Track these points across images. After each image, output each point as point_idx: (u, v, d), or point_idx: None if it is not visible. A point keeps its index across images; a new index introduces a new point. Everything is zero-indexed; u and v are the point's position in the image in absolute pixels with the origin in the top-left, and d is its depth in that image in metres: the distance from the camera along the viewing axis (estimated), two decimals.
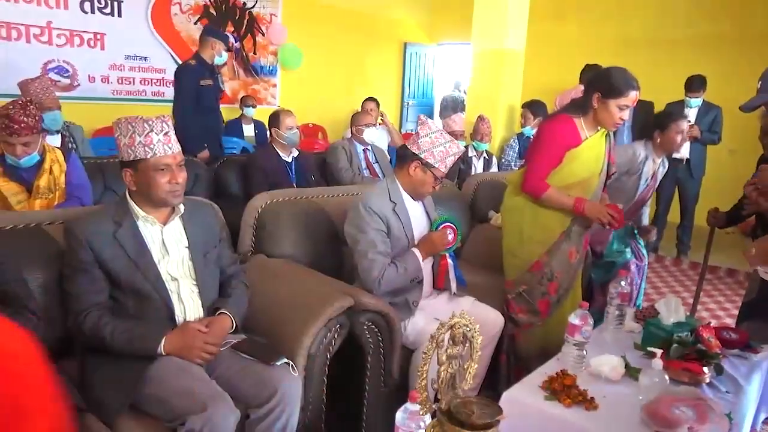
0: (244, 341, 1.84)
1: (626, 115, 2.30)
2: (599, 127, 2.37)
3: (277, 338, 1.89)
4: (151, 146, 1.72)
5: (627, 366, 1.85)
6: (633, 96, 2.25)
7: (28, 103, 2.44)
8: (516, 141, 4.90)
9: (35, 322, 1.50)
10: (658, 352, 1.74)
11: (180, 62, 6.03)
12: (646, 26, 6.60)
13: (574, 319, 1.83)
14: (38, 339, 1.51)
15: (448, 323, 0.92)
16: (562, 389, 1.70)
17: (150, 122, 1.73)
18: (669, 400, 1.58)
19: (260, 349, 1.81)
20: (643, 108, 3.63)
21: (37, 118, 2.45)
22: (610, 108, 2.27)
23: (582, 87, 5.34)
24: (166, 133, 1.75)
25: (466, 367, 0.97)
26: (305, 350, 1.85)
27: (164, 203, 1.80)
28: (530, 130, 4.80)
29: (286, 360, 1.77)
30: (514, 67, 5.14)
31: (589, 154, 2.35)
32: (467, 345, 0.95)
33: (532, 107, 4.89)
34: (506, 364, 2.55)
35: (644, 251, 3.25)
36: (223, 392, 1.61)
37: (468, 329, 0.94)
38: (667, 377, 1.71)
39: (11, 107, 2.37)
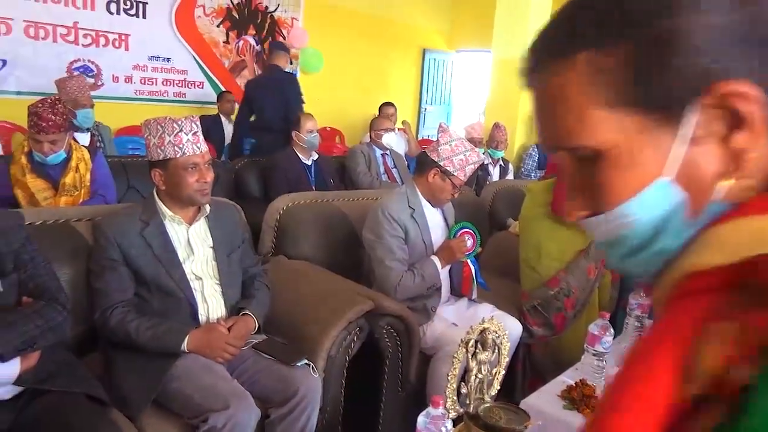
0: (265, 341, 1.86)
1: None
2: None
3: (298, 339, 1.91)
4: (181, 146, 1.75)
5: None
6: None
7: (57, 102, 2.48)
8: (535, 150, 4.90)
9: (65, 315, 1.53)
10: None
11: (202, 63, 6.12)
12: None
13: (594, 329, 1.83)
14: (66, 332, 1.56)
15: (477, 328, 0.93)
16: (581, 399, 1.70)
17: (179, 122, 1.76)
18: None
19: (281, 349, 1.83)
20: None
21: (64, 116, 2.50)
22: None
23: None
24: (195, 133, 1.78)
25: (494, 372, 0.97)
26: (325, 352, 1.86)
27: (193, 202, 1.83)
28: None
29: (306, 361, 1.79)
30: None
31: None
32: (495, 351, 0.96)
33: None
34: (522, 373, 2.54)
35: None
36: (245, 391, 1.63)
37: (497, 335, 0.95)
38: None
39: (40, 105, 2.41)
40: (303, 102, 4.79)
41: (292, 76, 4.83)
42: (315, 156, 3.71)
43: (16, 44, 4.88)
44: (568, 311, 2.41)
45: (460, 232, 2.34)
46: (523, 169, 4.91)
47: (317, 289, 2.13)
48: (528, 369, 2.54)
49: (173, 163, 1.76)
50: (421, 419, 1.20)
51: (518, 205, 2.67)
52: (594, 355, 1.82)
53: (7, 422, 1.40)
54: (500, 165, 4.75)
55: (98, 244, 1.77)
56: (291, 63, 5.23)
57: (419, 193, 2.31)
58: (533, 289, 2.48)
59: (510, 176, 4.77)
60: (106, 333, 1.75)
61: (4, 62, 4.88)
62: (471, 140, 4.60)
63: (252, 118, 4.73)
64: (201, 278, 1.84)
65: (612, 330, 1.83)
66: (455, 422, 1.10)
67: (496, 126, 4.68)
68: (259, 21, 6.59)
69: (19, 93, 4.89)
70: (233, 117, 5.65)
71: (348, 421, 2.04)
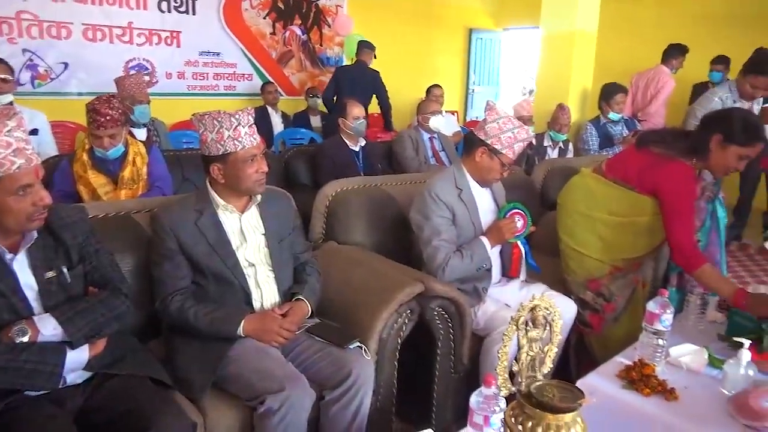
0: (318, 325, 1.90)
1: (742, 166, 2.14)
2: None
3: (350, 323, 1.93)
4: (240, 139, 1.78)
5: (710, 357, 1.78)
6: (758, 148, 2.10)
7: (112, 98, 2.59)
8: (593, 127, 4.65)
9: (127, 305, 1.60)
10: (747, 343, 1.66)
11: (250, 55, 6.22)
12: (729, 1, 6.19)
13: (653, 307, 1.77)
14: (129, 320, 1.63)
15: (528, 305, 0.92)
16: (641, 378, 1.66)
17: (237, 116, 1.78)
18: (759, 393, 1.51)
19: (334, 332, 1.86)
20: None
21: (120, 111, 2.60)
22: (730, 154, 2.10)
23: (664, 68, 5.11)
24: (251, 125, 1.82)
25: (545, 350, 0.96)
26: (377, 335, 1.88)
27: (251, 192, 1.87)
28: (615, 116, 4.61)
29: (358, 343, 1.81)
30: (586, 49, 4.96)
31: None
32: (547, 328, 0.94)
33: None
34: (575, 356, 2.48)
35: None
36: (300, 374, 1.67)
37: (548, 312, 0.93)
38: (755, 369, 1.63)
39: (97, 102, 2.53)
40: (388, 98, 5.70)
41: (377, 73, 5.53)
42: (362, 142, 3.72)
43: (76, 47, 5.10)
44: (607, 313, 2.34)
45: (510, 212, 2.29)
46: (584, 148, 4.63)
47: (368, 273, 2.15)
48: (581, 352, 2.48)
49: (233, 156, 1.78)
50: (473, 399, 1.19)
51: None
52: (653, 333, 1.76)
53: (78, 405, 1.49)
54: (560, 148, 4.55)
55: (156, 235, 1.84)
56: (375, 58, 5.76)
57: (467, 174, 2.28)
58: (571, 281, 2.41)
59: (569, 156, 4.58)
60: (166, 320, 1.82)
61: (66, 65, 5.12)
62: (520, 118, 4.48)
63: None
64: (254, 265, 1.88)
65: (672, 308, 1.77)
66: (508, 401, 1.09)
67: (561, 108, 4.39)
68: (304, 11, 6.64)
69: (80, 94, 5.13)
70: (279, 107, 5.76)
71: (402, 403, 2.05)
